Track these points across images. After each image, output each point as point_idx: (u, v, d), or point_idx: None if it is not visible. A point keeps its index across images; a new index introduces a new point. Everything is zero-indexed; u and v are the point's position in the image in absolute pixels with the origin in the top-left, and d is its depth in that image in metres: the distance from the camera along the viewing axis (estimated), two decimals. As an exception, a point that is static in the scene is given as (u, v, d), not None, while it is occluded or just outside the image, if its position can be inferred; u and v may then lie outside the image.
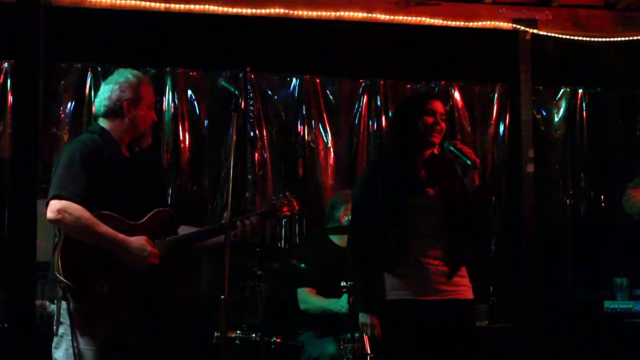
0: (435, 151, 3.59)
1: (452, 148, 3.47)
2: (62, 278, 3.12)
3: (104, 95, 3.46)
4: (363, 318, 3.55)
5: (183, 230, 3.51)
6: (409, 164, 3.56)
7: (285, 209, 3.66)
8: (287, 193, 3.71)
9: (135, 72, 3.53)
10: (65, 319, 3.17)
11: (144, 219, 3.36)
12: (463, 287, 3.52)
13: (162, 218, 3.43)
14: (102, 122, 3.46)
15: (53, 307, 3.24)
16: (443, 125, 3.54)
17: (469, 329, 3.54)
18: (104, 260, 3.22)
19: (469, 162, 3.43)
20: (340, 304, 4.56)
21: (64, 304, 3.16)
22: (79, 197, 3.18)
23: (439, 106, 3.56)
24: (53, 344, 3.24)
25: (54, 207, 3.15)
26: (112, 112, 3.43)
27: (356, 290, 3.85)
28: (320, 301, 4.79)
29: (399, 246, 3.46)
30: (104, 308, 3.21)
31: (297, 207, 3.68)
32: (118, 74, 3.49)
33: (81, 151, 3.29)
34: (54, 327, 3.22)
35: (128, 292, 3.27)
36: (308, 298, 4.85)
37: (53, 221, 3.18)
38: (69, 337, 3.16)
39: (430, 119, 3.51)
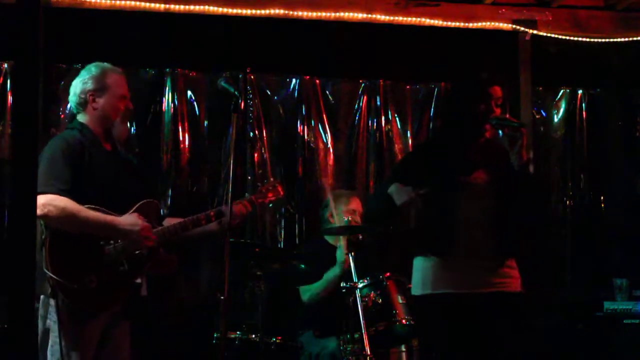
0: (488, 135, 3.45)
1: (495, 121, 3.36)
2: (50, 274, 3.12)
3: (72, 91, 3.52)
4: (398, 196, 3.33)
5: (169, 222, 3.53)
6: (458, 155, 3.43)
7: (270, 194, 3.71)
8: (272, 179, 3.77)
9: (102, 64, 3.53)
10: (52, 314, 3.17)
11: (129, 212, 3.37)
12: (511, 279, 3.39)
13: (148, 210, 3.43)
14: (80, 118, 3.50)
15: (37, 304, 3.25)
16: (497, 111, 3.40)
17: (516, 322, 3.38)
18: (91, 254, 3.23)
19: (515, 123, 3.32)
20: (335, 269, 4.61)
21: (51, 300, 3.17)
22: (64, 192, 3.20)
23: (496, 91, 3.41)
24: (39, 341, 3.22)
25: (38, 202, 3.12)
26: (80, 105, 3.48)
27: (380, 199, 3.54)
28: (319, 282, 4.78)
29: (444, 230, 3.35)
30: (93, 302, 3.22)
31: (282, 193, 3.74)
32: (85, 69, 3.54)
33: (62, 147, 3.32)
34: (39, 323, 3.22)
35: (117, 287, 3.27)
36: (309, 286, 4.83)
37: (39, 216, 3.17)
38: (56, 333, 3.16)
39: (483, 106, 3.38)
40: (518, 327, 3.39)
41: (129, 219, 3.28)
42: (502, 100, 3.44)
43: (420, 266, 3.49)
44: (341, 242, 4.67)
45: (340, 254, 4.65)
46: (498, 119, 3.37)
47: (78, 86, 3.48)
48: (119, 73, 3.54)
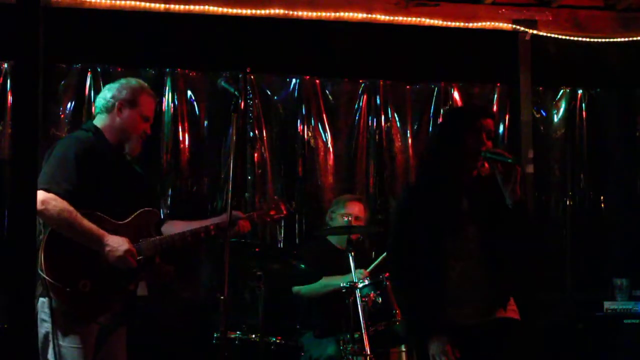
0: (482, 173, 3.33)
1: (488, 154, 3.24)
2: (44, 275, 3.12)
3: (104, 92, 3.55)
4: (434, 347, 3.17)
5: (176, 225, 3.53)
6: (450, 192, 3.30)
7: (272, 212, 3.73)
8: (276, 197, 3.77)
9: (144, 83, 3.59)
10: (47, 316, 3.17)
11: (128, 219, 3.38)
12: (507, 310, 3.30)
13: (147, 218, 3.45)
14: (97, 121, 3.52)
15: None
16: (489, 144, 3.30)
17: (513, 348, 3.28)
18: (87, 259, 3.23)
19: (509, 160, 3.21)
20: (344, 279, 4.47)
21: (45, 300, 3.17)
22: (69, 194, 3.21)
23: (489, 124, 3.31)
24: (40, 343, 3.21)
25: (39, 197, 3.15)
26: (106, 109, 3.50)
27: (412, 315, 3.42)
28: (320, 283, 4.76)
29: (433, 293, 3.22)
30: (86, 307, 3.22)
31: (285, 212, 3.76)
32: (125, 79, 3.59)
33: (76, 148, 3.33)
34: (39, 326, 3.21)
35: (110, 293, 3.27)
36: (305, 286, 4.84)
37: (37, 211, 3.16)
38: (51, 335, 3.16)
39: (474, 137, 3.27)
40: (515, 353, 3.30)
41: (116, 239, 3.27)
42: (494, 133, 3.36)
43: None
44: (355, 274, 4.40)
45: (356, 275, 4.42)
46: (491, 152, 3.27)
47: (112, 90, 3.52)
48: (152, 97, 3.60)
